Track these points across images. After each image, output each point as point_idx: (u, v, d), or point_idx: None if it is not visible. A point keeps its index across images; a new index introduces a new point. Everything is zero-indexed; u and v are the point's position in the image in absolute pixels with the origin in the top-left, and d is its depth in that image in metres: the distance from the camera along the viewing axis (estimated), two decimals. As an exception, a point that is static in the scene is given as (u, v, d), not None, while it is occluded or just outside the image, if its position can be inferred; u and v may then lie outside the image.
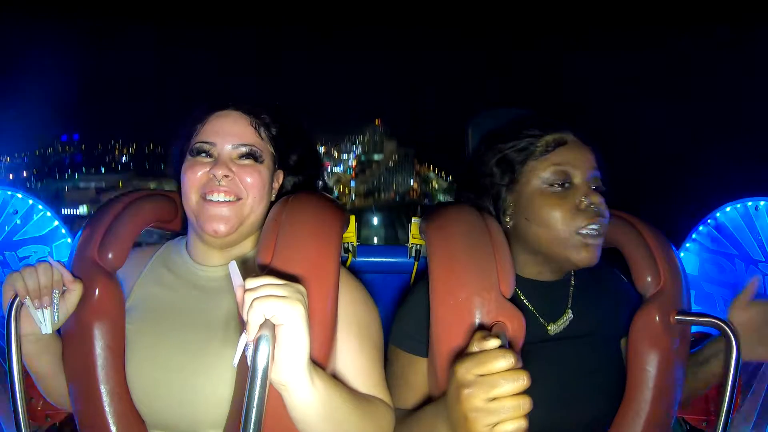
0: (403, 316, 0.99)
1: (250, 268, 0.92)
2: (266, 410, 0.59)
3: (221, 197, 0.92)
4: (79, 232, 1.02)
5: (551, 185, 0.94)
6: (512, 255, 0.97)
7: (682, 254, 1.46)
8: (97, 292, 0.93)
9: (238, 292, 0.65)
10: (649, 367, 0.93)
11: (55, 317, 0.89)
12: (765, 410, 1.24)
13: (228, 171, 0.92)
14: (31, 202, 1.40)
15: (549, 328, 0.97)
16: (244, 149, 0.95)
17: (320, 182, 1.14)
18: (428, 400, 0.89)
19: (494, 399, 0.61)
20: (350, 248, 1.25)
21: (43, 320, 0.88)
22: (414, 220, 1.22)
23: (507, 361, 0.61)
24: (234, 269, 0.67)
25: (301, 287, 0.67)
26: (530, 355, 0.87)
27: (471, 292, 0.83)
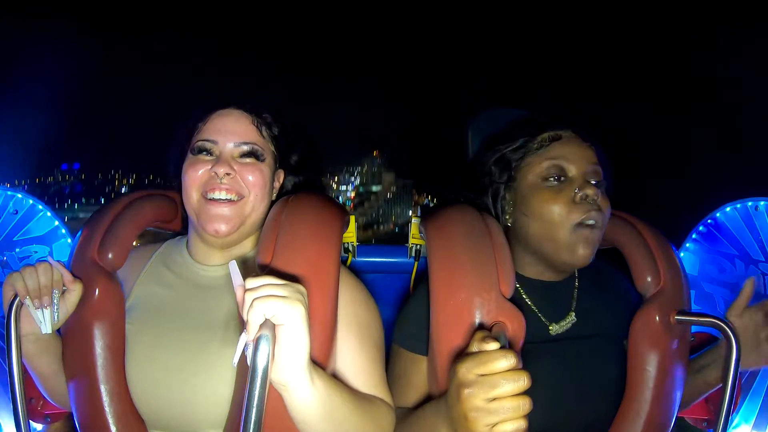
0: (405, 315, 0.99)
1: (250, 268, 0.92)
2: (266, 410, 0.59)
3: (222, 195, 0.92)
4: (79, 232, 1.02)
5: (546, 179, 0.95)
6: (514, 254, 0.98)
7: (682, 254, 1.46)
8: (96, 292, 0.93)
9: (238, 292, 0.65)
10: (649, 367, 0.92)
11: (55, 317, 0.89)
12: (765, 410, 1.24)
13: (230, 169, 0.92)
14: (31, 202, 1.40)
15: (551, 328, 0.97)
16: (245, 147, 0.95)
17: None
18: (429, 399, 0.89)
19: (494, 399, 0.61)
20: (350, 248, 1.25)
21: (43, 320, 0.88)
22: (414, 220, 1.23)
23: (508, 361, 0.61)
24: (234, 269, 0.67)
25: (301, 287, 0.67)
26: (531, 355, 0.87)
27: (471, 292, 0.83)
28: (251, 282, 0.64)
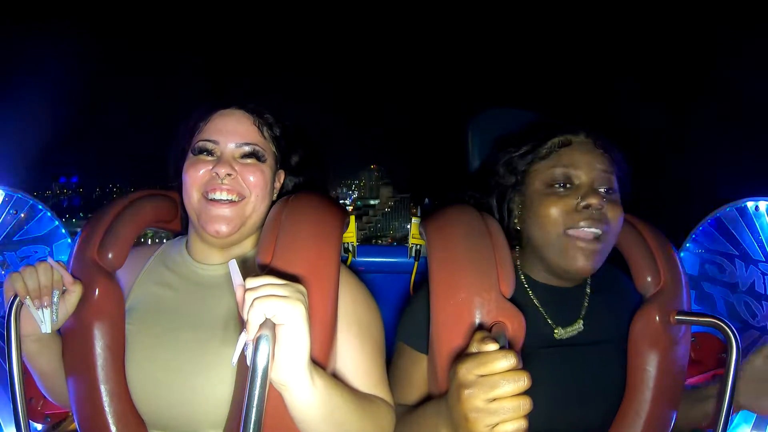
0: (409, 312, 0.99)
1: (250, 268, 0.92)
2: (266, 410, 0.59)
3: (224, 196, 0.92)
4: (79, 232, 1.02)
5: (551, 186, 0.94)
6: (525, 258, 0.99)
7: (682, 254, 1.46)
8: (96, 292, 0.93)
9: (238, 292, 0.65)
10: (649, 367, 0.92)
11: (55, 317, 0.89)
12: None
13: (231, 170, 0.92)
14: (31, 202, 1.40)
15: (556, 332, 0.96)
16: (247, 148, 0.95)
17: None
18: (429, 398, 0.89)
19: (495, 399, 0.61)
20: (350, 248, 1.25)
21: (43, 320, 0.88)
22: (414, 220, 1.23)
23: (507, 361, 0.62)
24: (234, 268, 0.67)
25: (301, 287, 0.67)
26: (534, 356, 0.87)
27: (471, 292, 0.83)
28: (251, 282, 0.64)
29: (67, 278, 0.91)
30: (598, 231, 0.90)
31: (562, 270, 0.94)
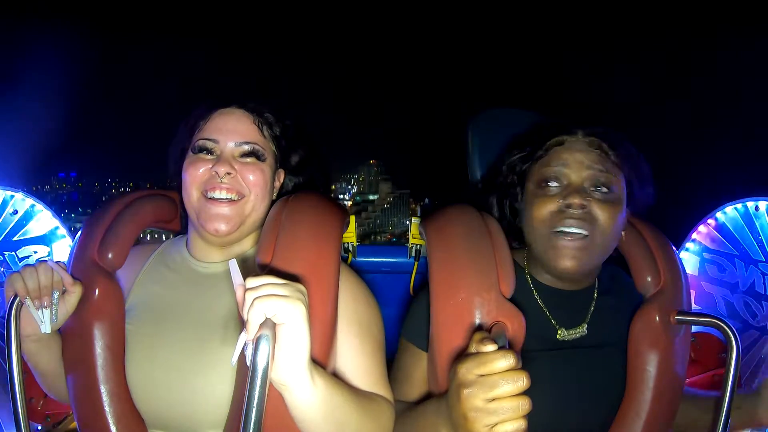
0: (413, 309, 0.99)
1: (250, 267, 0.92)
2: (266, 410, 0.59)
3: (223, 194, 0.92)
4: (79, 232, 1.02)
5: (542, 187, 0.94)
6: (530, 259, 1.00)
7: (682, 254, 1.46)
8: (96, 292, 0.93)
9: (239, 291, 0.65)
10: (649, 367, 0.92)
11: (55, 317, 0.89)
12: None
13: (230, 168, 0.92)
14: (31, 202, 1.40)
15: (559, 333, 0.95)
16: (246, 147, 0.95)
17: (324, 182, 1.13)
18: (429, 395, 0.89)
19: (494, 399, 0.61)
20: (350, 248, 1.25)
21: (43, 320, 0.88)
22: (414, 220, 1.23)
23: (507, 361, 0.62)
24: (234, 267, 0.67)
25: (301, 287, 0.67)
26: (538, 359, 0.87)
27: (471, 292, 0.83)
28: (252, 281, 0.64)
29: (67, 279, 0.91)
30: (581, 231, 0.89)
31: (552, 269, 0.94)
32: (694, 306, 1.41)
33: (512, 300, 0.85)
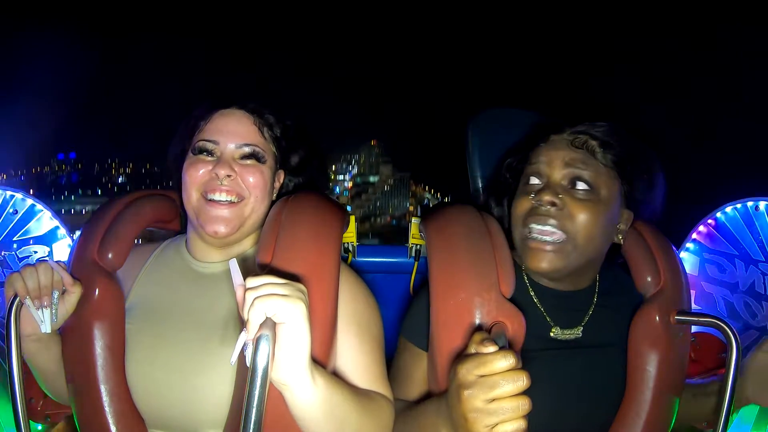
0: (413, 309, 0.99)
1: (250, 267, 0.92)
2: (267, 409, 0.59)
3: (223, 197, 0.92)
4: (79, 232, 1.02)
5: (524, 184, 0.94)
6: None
7: (682, 254, 1.46)
8: (96, 292, 0.93)
9: (239, 291, 0.65)
10: (649, 367, 0.92)
11: (54, 317, 0.89)
12: (765, 410, 1.23)
13: (230, 171, 0.92)
14: (31, 202, 1.40)
15: (553, 331, 0.95)
16: (247, 149, 0.95)
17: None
18: (429, 395, 0.89)
19: (494, 400, 0.61)
20: (350, 248, 1.25)
21: (43, 320, 0.88)
22: (414, 220, 1.23)
23: (507, 361, 0.62)
24: (234, 267, 0.67)
25: (301, 286, 0.67)
26: (535, 358, 0.86)
27: (471, 293, 0.83)
28: (252, 281, 0.64)
29: (67, 279, 0.91)
30: (552, 229, 0.88)
31: (528, 270, 0.94)
32: (694, 306, 1.41)
33: (511, 300, 0.85)
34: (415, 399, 0.92)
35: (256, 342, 0.59)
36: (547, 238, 0.88)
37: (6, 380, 0.88)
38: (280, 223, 0.88)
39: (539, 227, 0.89)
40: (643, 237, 1.03)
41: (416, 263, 1.28)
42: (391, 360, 0.99)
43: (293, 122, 1.04)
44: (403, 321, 1.00)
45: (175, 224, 1.13)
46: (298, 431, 0.74)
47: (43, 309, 0.88)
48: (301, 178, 1.07)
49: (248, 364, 0.60)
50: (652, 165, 0.97)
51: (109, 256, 0.96)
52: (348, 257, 1.25)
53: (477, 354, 0.65)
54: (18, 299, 0.87)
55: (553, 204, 0.88)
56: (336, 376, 0.80)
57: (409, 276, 1.29)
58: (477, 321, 0.81)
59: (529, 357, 0.71)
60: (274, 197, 1.02)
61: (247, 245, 1.00)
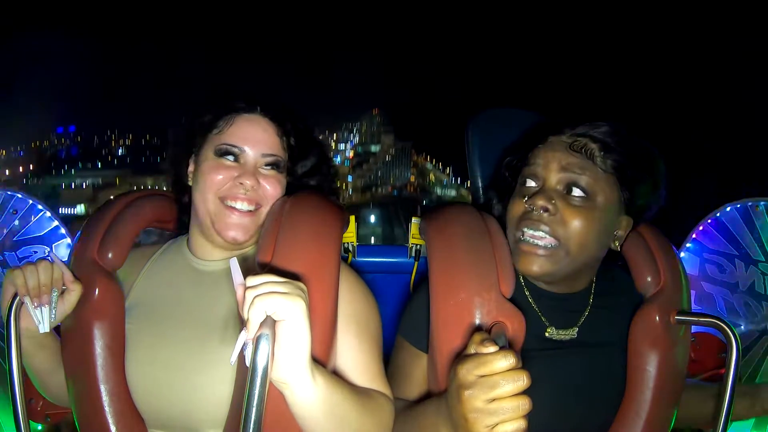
0: (411, 308, 0.99)
1: (250, 266, 0.92)
2: (267, 409, 0.59)
3: (244, 206, 0.93)
4: (79, 232, 1.02)
5: (520, 185, 0.93)
6: None
7: (682, 254, 1.46)
8: (96, 292, 0.93)
9: (239, 291, 0.65)
10: (649, 367, 0.92)
11: (53, 316, 0.89)
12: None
13: (256, 183, 0.93)
14: (30, 202, 1.40)
15: (548, 331, 0.94)
16: (270, 159, 0.96)
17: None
18: (428, 394, 0.89)
19: (494, 400, 0.61)
20: (350, 248, 1.25)
21: (41, 320, 0.88)
22: (414, 220, 1.23)
23: (507, 361, 0.61)
24: (235, 266, 0.67)
25: (301, 285, 0.67)
26: (531, 357, 0.86)
27: (471, 293, 0.83)
28: (252, 280, 0.64)
29: (68, 276, 0.91)
30: (543, 234, 0.86)
31: (519, 272, 0.92)
32: (694, 306, 1.41)
33: (509, 300, 0.85)
34: (414, 398, 0.92)
35: (256, 341, 0.59)
36: (539, 243, 0.87)
37: (6, 380, 0.88)
38: (280, 222, 0.88)
39: (531, 231, 0.88)
40: (643, 237, 1.03)
41: (416, 263, 1.28)
42: (389, 359, 0.99)
43: (306, 130, 1.04)
44: (401, 319, 0.99)
45: (175, 224, 1.13)
46: (298, 430, 0.74)
47: (42, 308, 0.88)
48: (305, 183, 1.07)
49: (248, 364, 0.60)
50: (656, 169, 0.93)
51: (109, 255, 0.96)
52: (348, 257, 1.25)
53: (477, 354, 0.64)
54: (18, 298, 0.87)
55: (545, 209, 0.87)
56: (336, 375, 0.80)
57: (409, 276, 1.29)
58: (477, 321, 0.81)
59: (526, 357, 0.71)
60: None
61: (247, 245, 1.00)
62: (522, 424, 0.61)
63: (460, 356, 0.67)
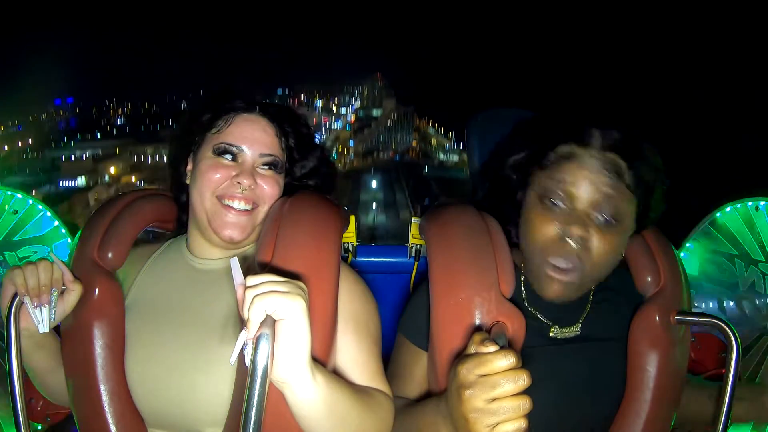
0: (412, 307, 0.99)
1: (250, 266, 0.92)
2: (267, 408, 0.59)
3: (241, 205, 0.93)
4: (79, 232, 1.02)
5: (544, 202, 0.87)
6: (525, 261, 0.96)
7: (682, 254, 1.46)
8: (96, 292, 0.93)
9: (239, 290, 0.66)
10: (649, 367, 0.92)
11: (53, 316, 0.89)
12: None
13: (254, 182, 0.93)
14: (30, 201, 1.40)
15: (552, 330, 0.95)
16: (269, 159, 0.96)
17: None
18: (428, 393, 0.89)
19: (494, 399, 0.61)
20: (350, 248, 1.25)
21: (41, 320, 0.88)
22: (414, 220, 1.23)
23: (507, 360, 0.62)
24: (235, 266, 0.67)
25: (301, 284, 0.67)
26: (536, 355, 0.86)
27: (471, 292, 0.83)
28: (252, 279, 0.64)
29: (68, 275, 0.91)
30: (571, 264, 0.85)
31: (538, 292, 0.91)
32: (694, 306, 1.41)
33: (510, 300, 0.85)
34: (414, 396, 0.92)
35: (256, 341, 0.59)
36: (563, 266, 0.85)
37: (6, 380, 0.88)
38: (280, 222, 0.88)
39: (565, 264, 0.85)
40: (643, 237, 1.03)
41: (416, 263, 1.28)
42: (389, 359, 0.99)
43: (305, 131, 1.04)
44: (401, 318, 0.99)
45: (175, 224, 1.13)
46: (299, 430, 0.74)
47: (42, 308, 0.88)
48: (309, 182, 1.06)
49: (248, 364, 0.60)
50: (666, 181, 0.92)
51: (109, 255, 0.96)
52: (348, 257, 1.25)
53: (477, 354, 0.65)
54: (18, 298, 0.87)
55: (583, 238, 0.84)
56: (336, 374, 0.80)
57: (409, 276, 1.29)
58: (477, 321, 0.81)
59: (531, 356, 0.71)
60: None
61: (245, 243, 1.00)
62: (522, 423, 0.61)
63: (461, 356, 0.67)
